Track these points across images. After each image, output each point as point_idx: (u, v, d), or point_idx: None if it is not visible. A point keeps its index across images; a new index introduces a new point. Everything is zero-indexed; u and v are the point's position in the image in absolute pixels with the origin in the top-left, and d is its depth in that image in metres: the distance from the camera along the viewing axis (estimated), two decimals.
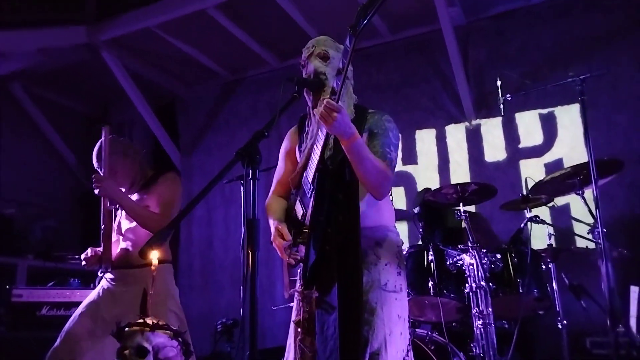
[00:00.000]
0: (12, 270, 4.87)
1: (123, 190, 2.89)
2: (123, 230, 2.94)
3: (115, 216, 2.95)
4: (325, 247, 1.84)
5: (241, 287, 1.59)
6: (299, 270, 2.07)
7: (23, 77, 5.94)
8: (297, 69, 6.09)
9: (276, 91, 6.26)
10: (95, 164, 2.92)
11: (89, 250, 2.87)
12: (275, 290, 5.30)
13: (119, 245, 2.92)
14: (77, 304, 2.97)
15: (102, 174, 2.80)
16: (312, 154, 1.95)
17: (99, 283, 2.93)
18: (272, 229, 2.09)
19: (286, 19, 5.07)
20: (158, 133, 6.22)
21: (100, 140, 2.90)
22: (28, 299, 4.03)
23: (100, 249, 2.85)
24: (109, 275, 2.89)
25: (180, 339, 1.73)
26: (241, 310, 1.62)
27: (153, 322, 1.68)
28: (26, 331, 3.89)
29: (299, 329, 1.90)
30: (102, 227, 2.86)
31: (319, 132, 1.89)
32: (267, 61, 5.91)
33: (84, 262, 2.86)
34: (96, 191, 2.77)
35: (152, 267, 1.75)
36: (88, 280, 4.29)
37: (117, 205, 2.88)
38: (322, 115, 1.76)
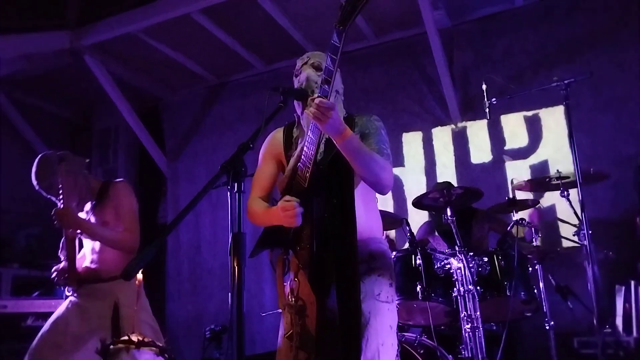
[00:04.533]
0: None
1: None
2: (88, 247, 2.90)
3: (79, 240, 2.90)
4: (323, 254, 1.82)
5: (229, 294, 1.58)
6: (288, 283, 2.05)
7: (5, 83, 5.85)
8: (283, 72, 6.08)
9: (262, 95, 6.20)
10: (44, 193, 2.84)
11: (58, 265, 2.85)
12: (264, 296, 5.29)
13: (84, 261, 2.89)
14: None
15: (60, 205, 2.73)
16: (303, 157, 1.91)
17: (66, 298, 2.88)
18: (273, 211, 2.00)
19: (271, 23, 5.06)
20: (143, 138, 6.16)
21: (39, 166, 2.83)
22: (13, 310, 3.98)
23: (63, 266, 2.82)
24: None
25: (166, 355, 1.71)
26: (230, 316, 1.61)
27: (138, 339, 1.66)
28: (11, 343, 3.84)
29: (292, 344, 1.87)
30: (64, 253, 2.82)
31: (310, 134, 1.86)
32: (252, 64, 5.89)
33: (53, 276, 2.84)
34: (58, 225, 2.72)
35: (137, 283, 1.73)
36: None
37: (80, 232, 2.83)
38: (315, 115, 1.74)
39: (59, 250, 2.91)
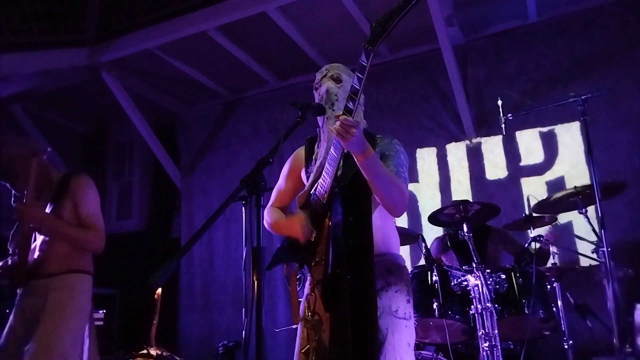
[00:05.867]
0: None
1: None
2: (38, 242, 2.71)
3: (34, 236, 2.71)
4: (337, 270, 1.81)
5: (243, 310, 1.57)
6: (303, 298, 2.04)
7: (23, 98, 5.95)
8: (297, 88, 6.10)
9: (276, 110, 6.28)
10: (2, 181, 2.68)
11: (7, 260, 2.70)
12: (277, 311, 5.26)
13: (32, 255, 2.70)
14: None
15: (25, 200, 2.57)
16: (325, 174, 1.92)
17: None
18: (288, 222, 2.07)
19: (286, 39, 5.11)
20: (158, 153, 6.21)
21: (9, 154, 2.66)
22: None
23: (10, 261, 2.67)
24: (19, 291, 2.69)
25: None
26: (243, 332, 1.60)
27: (157, 354, 1.65)
28: None
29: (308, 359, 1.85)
30: (15, 250, 2.68)
31: (332, 151, 1.87)
32: (266, 80, 5.94)
33: None
34: (22, 220, 2.58)
35: (156, 297, 1.72)
36: None
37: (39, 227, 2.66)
38: (339, 132, 1.75)
39: (8, 243, 2.77)
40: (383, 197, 1.91)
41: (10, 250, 2.79)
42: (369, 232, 1.84)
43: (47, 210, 2.67)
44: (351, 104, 1.76)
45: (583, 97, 3.02)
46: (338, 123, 1.75)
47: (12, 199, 2.74)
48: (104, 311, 4.11)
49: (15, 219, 2.61)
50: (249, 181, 1.59)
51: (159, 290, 1.82)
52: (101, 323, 4.01)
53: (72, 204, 2.67)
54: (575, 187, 3.23)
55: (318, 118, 2.10)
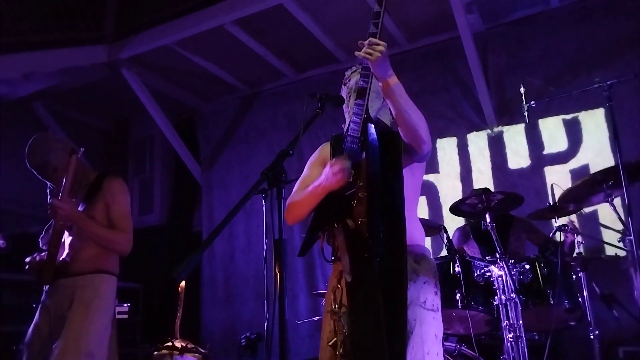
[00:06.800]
0: None
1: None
2: (67, 241, 2.73)
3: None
4: (363, 254, 1.75)
5: (265, 302, 1.57)
6: (328, 290, 2.01)
7: (45, 97, 6.03)
8: (314, 80, 6.07)
9: (294, 103, 6.27)
10: (36, 172, 2.70)
11: (36, 255, 2.72)
12: (299, 303, 5.27)
13: (62, 253, 2.73)
14: None
15: (60, 197, 2.60)
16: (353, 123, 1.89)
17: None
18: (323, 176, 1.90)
19: (303, 32, 5.09)
20: (178, 148, 6.26)
21: (34, 145, 2.70)
22: None
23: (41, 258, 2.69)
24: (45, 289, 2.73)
25: None
26: (265, 324, 1.60)
27: (182, 345, 1.66)
28: None
29: (335, 352, 1.82)
30: (46, 246, 2.68)
31: (353, 119, 1.87)
32: (284, 74, 5.93)
33: (27, 267, 2.71)
34: (55, 216, 2.58)
35: (180, 290, 1.73)
36: None
37: (70, 225, 2.68)
38: (365, 52, 1.79)
39: (40, 237, 2.80)
40: (410, 126, 1.88)
41: (41, 244, 2.82)
42: (402, 219, 1.78)
43: (80, 209, 2.70)
44: (374, 28, 1.82)
45: (608, 83, 2.95)
46: (366, 44, 1.79)
47: (48, 195, 2.79)
48: (129, 305, 4.15)
49: (49, 216, 2.63)
50: (270, 173, 1.59)
51: (183, 283, 1.82)
52: (126, 316, 4.06)
53: (104, 205, 2.71)
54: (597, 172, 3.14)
55: (344, 108, 2.08)
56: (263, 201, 1.75)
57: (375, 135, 1.85)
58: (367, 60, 1.81)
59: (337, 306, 1.86)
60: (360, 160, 1.84)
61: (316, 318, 4.26)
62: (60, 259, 2.70)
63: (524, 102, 3.28)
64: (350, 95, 2.09)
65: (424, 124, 1.93)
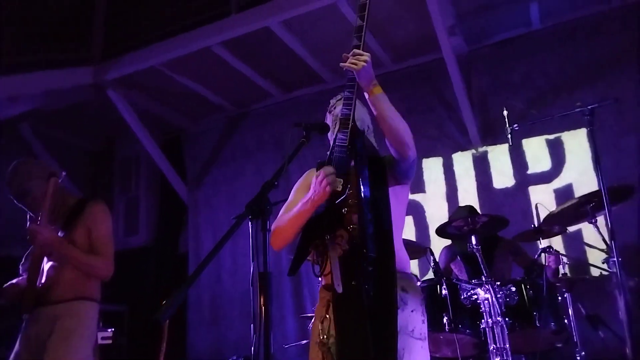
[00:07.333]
0: None
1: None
2: (46, 267, 2.68)
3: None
4: (351, 282, 1.73)
5: (251, 325, 1.56)
6: (314, 320, 2.00)
7: (30, 117, 5.98)
8: (301, 100, 6.06)
9: (280, 123, 6.24)
10: (15, 200, 2.67)
11: (15, 281, 2.68)
12: (286, 325, 5.23)
13: (40, 279, 2.67)
14: None
15: (39, 222, 2.57)
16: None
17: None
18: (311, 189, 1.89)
19: (289, 53, 5.12)
20: (164, 168, 6.22)
21: (15, 172, 2.68)
22: None
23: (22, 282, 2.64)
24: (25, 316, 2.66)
25: None
26: (252, 349, 1.59)
27: None
28: None
29: None
30: (25, 275, 2.64)
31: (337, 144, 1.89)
32: (271, 94, 5.96)
33: (2, 293, 2.66)
34: (33, 241, 2.55)
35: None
36: None
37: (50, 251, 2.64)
38: (351, 62, 1.84)
39: (21, 264, 2.75)
40: (394, 131, 1.94)
41: (21, 271, 2.77)
42: (390, 243, 1.81)
43: (60, 234, 2.66)
44: (357, 41, 1.88)
45: (589, 107, 2.99)
46: (350, 55, 1.84)
47: (28, 221, 2.74)
48: (112, 330, 4.08)
49: (28, 241, 2.59)
50: (254, 206, 1.58)
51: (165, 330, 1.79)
52: (110, 342, 3.99)
53: (85, 230, 2.67)
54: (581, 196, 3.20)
55: (328, 136, 2.11)
56: (250, 223, 1.74)
57: (362, 144, 1.90)
58: (352, 69, 1.86)
59: (325, 337, 1.85)
60: (349, 169, 1.88)
61: (304, 342, 4.23)
62: (40, 284, 2.64)
63: (507, 125, 3.32)
64: (335, 123, 2.11)
65: (408, 131, 1.99)
